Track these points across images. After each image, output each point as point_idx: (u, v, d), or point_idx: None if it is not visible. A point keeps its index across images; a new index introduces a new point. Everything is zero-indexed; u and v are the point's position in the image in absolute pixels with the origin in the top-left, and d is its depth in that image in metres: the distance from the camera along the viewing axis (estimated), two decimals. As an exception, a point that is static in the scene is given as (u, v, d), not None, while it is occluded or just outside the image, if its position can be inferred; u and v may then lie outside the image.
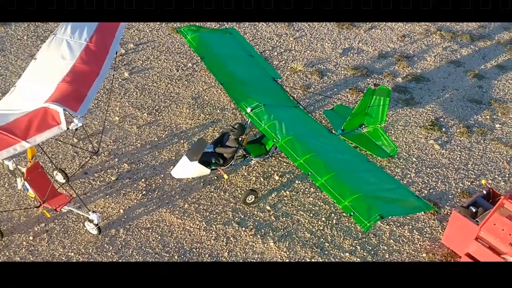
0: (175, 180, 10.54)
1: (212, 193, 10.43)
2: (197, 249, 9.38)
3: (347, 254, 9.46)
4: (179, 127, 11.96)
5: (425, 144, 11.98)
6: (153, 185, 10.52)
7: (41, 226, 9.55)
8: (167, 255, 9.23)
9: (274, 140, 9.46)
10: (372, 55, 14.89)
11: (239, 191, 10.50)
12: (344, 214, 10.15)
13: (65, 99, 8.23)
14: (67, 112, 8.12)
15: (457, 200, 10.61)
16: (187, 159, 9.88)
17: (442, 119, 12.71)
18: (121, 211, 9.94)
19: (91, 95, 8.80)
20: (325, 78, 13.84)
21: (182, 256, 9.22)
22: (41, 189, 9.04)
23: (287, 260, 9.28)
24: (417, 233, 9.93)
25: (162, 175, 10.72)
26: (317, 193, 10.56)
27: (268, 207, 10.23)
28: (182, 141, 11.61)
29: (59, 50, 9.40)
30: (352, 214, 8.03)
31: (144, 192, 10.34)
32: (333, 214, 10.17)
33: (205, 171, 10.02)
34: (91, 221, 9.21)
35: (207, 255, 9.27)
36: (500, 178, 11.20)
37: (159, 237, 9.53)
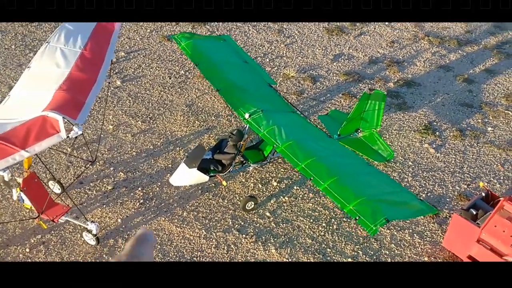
0: (172, 188, 10.41)
1: (211, 201, 10.32)
2: (198, 258, 9.24)
3: (349, 259, 9.42)
4: (174, 135, 11.84)
5: (420, 148, 12.05)
6: (151, 193, 10.36)
7: (37, 237, 9.33)
8: (168, 265, 9.07)
9: (275, 146, 9.41)
10: (362, 60, 14.97)
11: (237, 198, 10.41)
12: (344, 219, 10.12)
13: (64, 107, 8.07)
14: (66, 120, 7.96)
15: (455, 203, 10.67)
16: (185, 166, 9.77)
17: (435, 123, 12.81)
18: (119, 220, 9.76)
19: (89, 103, 8.64)
20: (318, 84, 13.87)
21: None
22: (38, 200, 8.83)
23: (290, 267, 9.19)
24: (417, 237, 9.95)
25: (159, 183, 10.58)
26: (316, 199, 10.53)
27: (267, 214, 10.16)
28: (178, 148, 11.49)
29: (53, 58, 9.22)
30: (357, 218, 8.00)
31: (141, 201, 10.18)
32: (333, 220, 10.14)
33: (204, 178, 9.91)
34: (89, 231, 9.02)
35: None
36: (495, 181, 11.31)
37: (159, 246, 9.37)
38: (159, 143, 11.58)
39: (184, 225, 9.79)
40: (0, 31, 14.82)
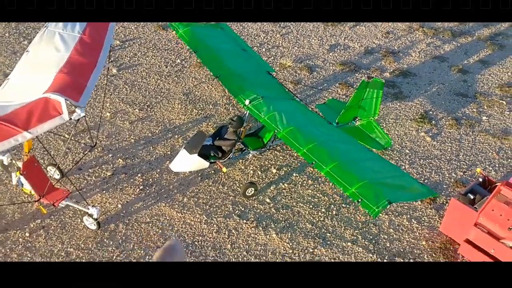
0: (172, 174, 10.40)
1: (211, 187, 10.33)
2: (200, 242, 9.25)
3: (349, 243, 9.49)
4: (172, 123, 11.82)
5: (417, 136, 12.16)
6: (150, 179, 10.34)
7: (37, 222, 9.27)
8: (169, 249, 9.06)
9: (276, 131, 9.44)
10: (358, 51, 15.05)
11: (237, 185, 10.42)
12: (343, 205, 10.19)
13: (66, 89, 8.01)
14: (67, 103, 7.90)
15: (452, 190, 10.78)
16: (186, 152, 9.76)
17: (431, 112, 12.93)
18: (119, 206, 9.73)
19: (90, 87, 8.58)
20: (315, 74, 13.91)
21: (185, 249, 9.08)
22: (38, 184, 8.77)
23: (291, 251, 9.24)
24: (415, 222, 10.04)
25: (159, 170, 10.56)
26: (315, 185, 10.58)
27: (267, 200, 10.19)
28: (176, 136, 11.46)
29: (52, 42, 9.14)
30: (360, 200, 8.06)
31: (141, 187, 10.15)
32: (332, 205, 10.19)
33: (204, 164, 9.91)
34: (90, 215, 8.98)
35: (210, 248, 9.16)
36: (490, 168, 11.45)
37: (160, 231, 9.36)
38: (157, 131, 11.55)
39: (184, 211, 9.78)
40: (-6, 19, 14.66)
